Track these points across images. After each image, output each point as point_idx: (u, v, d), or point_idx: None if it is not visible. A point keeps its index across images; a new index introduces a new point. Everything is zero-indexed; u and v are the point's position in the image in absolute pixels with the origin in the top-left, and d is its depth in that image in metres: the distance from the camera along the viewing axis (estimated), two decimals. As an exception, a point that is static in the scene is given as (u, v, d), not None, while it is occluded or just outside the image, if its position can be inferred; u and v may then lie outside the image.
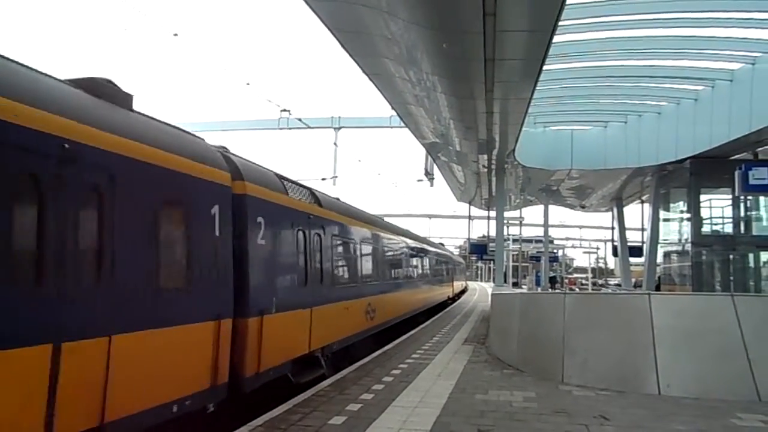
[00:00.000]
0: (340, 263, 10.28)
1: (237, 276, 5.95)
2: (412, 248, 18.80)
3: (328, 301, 8.82)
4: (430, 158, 23.89)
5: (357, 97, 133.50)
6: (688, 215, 19.92)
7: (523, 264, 62.92)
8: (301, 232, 7.91)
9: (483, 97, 12.08)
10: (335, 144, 25.22)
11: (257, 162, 7.56)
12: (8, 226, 3.54)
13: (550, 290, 32.18)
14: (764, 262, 19.71)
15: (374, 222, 13.82)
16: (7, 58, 3.90)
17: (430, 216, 65.41)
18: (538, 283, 41.64)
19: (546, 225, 33.61)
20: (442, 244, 35.05)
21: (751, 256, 19.37)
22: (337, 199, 11.48)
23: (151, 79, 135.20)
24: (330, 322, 8.89)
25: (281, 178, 7.79)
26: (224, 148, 6.92)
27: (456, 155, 20.68)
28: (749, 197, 18.04)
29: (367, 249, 12.24)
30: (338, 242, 10.02)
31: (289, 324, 7.29)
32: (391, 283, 14.67)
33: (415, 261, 19.22)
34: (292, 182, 8.25)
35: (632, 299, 9.66)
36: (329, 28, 9.35)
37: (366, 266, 12.16)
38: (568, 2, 8.27)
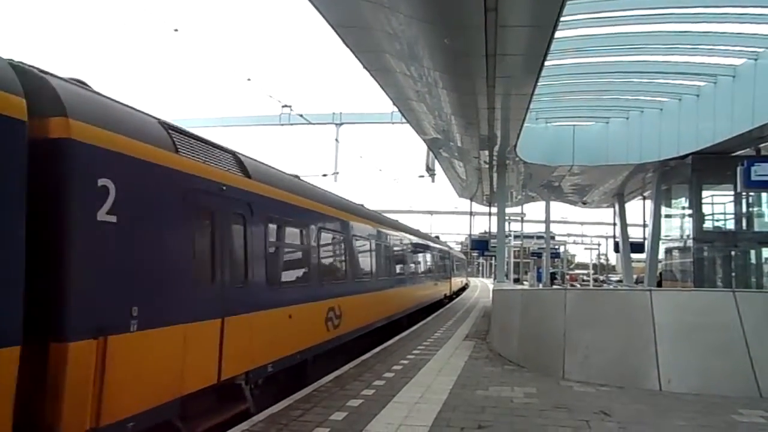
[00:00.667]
0: (280, 256, 7.81)
1: (40, 273, 3.79)
2: (396, 241, 16.11)
3: (256, 306, 6.54)
4: (431, 154, 23.83)
5: (358, 93, 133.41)
6: (689, 211, 19.88)
7: (525, 260, 62.97)
8: (205, 210, 5.69)
9: (484, 92, 12.03)
10: (336, 140, 25.19)
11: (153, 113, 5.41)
12: None
13: (552, 286, 32.18)
14: (766, 259, 19.67)
15: (342, 206, 11.04)
16: None
17: (431, 212, 65.47)
18: (539, 279, 41.70)
19: (547, 221, 33.61)
20: (438, 238, 33.32)
21: (752, 252, 19.34)
22: (297, 177, 9.31)
23: (151, 75, 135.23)
24: (261, 335, 6.61)
25: (170, 128, 5.42)
26: (79, 81, 4.70)
27: (457, 151, 20.62)
28: (751, 193, 17.99)
29: (330, 239, 9.91)
30: (279, 228, 7.64)
31: (173, 344, 4.96)
32: (365, 281, 12.12)
33: (399, 255, 16.53)
34: (194, 138, 5.86)
35: (633, 295, 9.66)
36: (330, 24, 9.31)
37: (327, 261, 9.82)
38: (569, -3, 8.23)
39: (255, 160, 7.42)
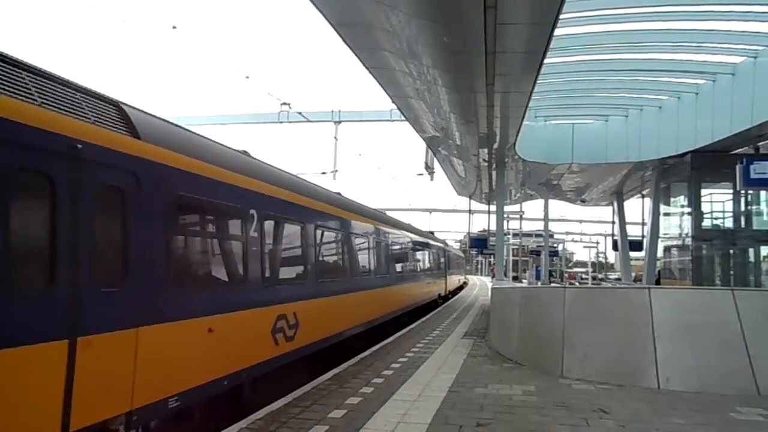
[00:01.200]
0: (195, 249, 6.03)
1: None
2: (379, 235, 13.87)
3: (145, 318, 4.72)
4: (430, 152, 23.85)
5: (357, 91, 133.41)
6: (688, 209, 19.92)
7: (523, 258, 63.10)
8: (34, 176, 3.93)
9: (484, 90, 12.04)
10: (335, 138, 25.20)
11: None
12: None
13: (550, 284, 32.20)
14: (764, 257, 19.71)
15: (303, 189, 8.92)
16: None
17: (430, 210, 65.49)
18: (538, 277, 41.82)
19: (546, 219, 33.64)
20: (433, 233, 30.01)
21: (751, 250, 19.37)
22: (245, 153, 7.54)
23: (149, 72, 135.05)
24: (156, 359, 4.85)
25: None
26: None
27: (456, 149, 20.64)
28: (750, 192, 18.01)
29: (281, 230, 7.87)
30: (193, 211, 5.90)
31: None
32: (334, 281, 10.04)
33: (382, 251, 14.27)
34: (18, 65, 4.08)
35: (632, 293, 9.65)
36: (329, 21, 9.30)
37: (277, 257, 7.70)
38: (569, -6, 8.23)
39: (158, 117, 5.63)
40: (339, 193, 12.02)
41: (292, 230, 8.32)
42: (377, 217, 14.85)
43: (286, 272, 8.13)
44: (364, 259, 12.76)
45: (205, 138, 6.60)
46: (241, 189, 6.57)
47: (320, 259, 9.52)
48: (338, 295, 10.13)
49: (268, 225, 7.32)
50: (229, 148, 7.06)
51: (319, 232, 9.33)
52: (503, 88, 11.98)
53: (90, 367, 4.08)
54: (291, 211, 8.16)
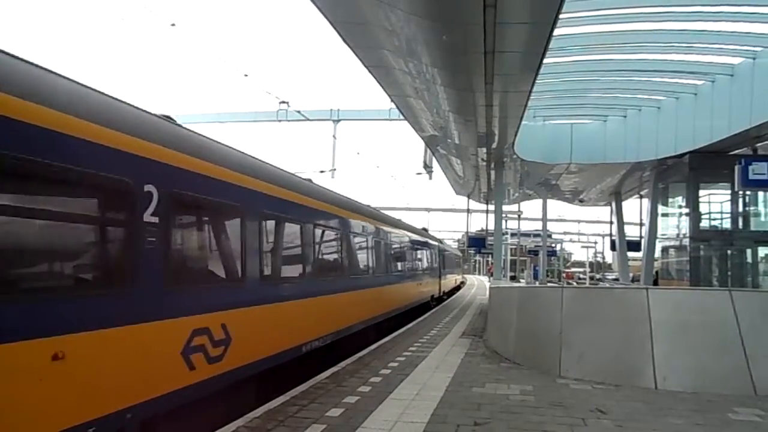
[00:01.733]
0: (16, 232, 3.84)
1: None
2: (347, 226, 11.44)
3: None
4: (428, 151, 23.84)
5: (356, 90, 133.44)
6: (686, 210, 19.95)
7: (522, 258, 63.20)
8: None
9: (482, 89, 12.03)
10: (334, 137, 25.18)
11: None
12: None
13: (547, 283, 32.24)
14: (762, 258, 19.76)
15: (236, 164, 6.70)
16: None
17: (428, 209, 65.48)
18: (536, 277, 41.86)
19: (544, 219, 33.60)
20: (425, 230, 27.67)
21: (749, 251, 19.42)
22: (169, 119, 5.95)
23: (148, 70, 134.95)
24: None
25: None
26: None
27: (455, 148, 20.62)
28: (748, 192, 18.05)
29: (191, 212, 5.91)
30: (30, 182, 3.91)
31: None
32: (286, 282, 8.08)
33: (352, 245, 11.92)
34: None
35: (630, 293, 9.67)
36: (329, 20, 9.28)
37: (187, 247, 5.91)
38: (569, -6, 8.23)
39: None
40: (309, 180, 10.60)
41: (222, 218, 6.50)
42: (353, 207, 12.53)
43: (208, 271, 6.23)
44: (332, 256, 10.79)
45: (82, 85, 4.61)
46: (132, 156, 4.72)
47: (265, 255, 7.41)
48: (292, 300, 8.10)
49: (180, 209, 5.49)
50: (136, 107, 5.25)
51: (264, 222, 7.34)
52: (502, 87, 11.98)
53: None
54: (225, 194, 6.27)
